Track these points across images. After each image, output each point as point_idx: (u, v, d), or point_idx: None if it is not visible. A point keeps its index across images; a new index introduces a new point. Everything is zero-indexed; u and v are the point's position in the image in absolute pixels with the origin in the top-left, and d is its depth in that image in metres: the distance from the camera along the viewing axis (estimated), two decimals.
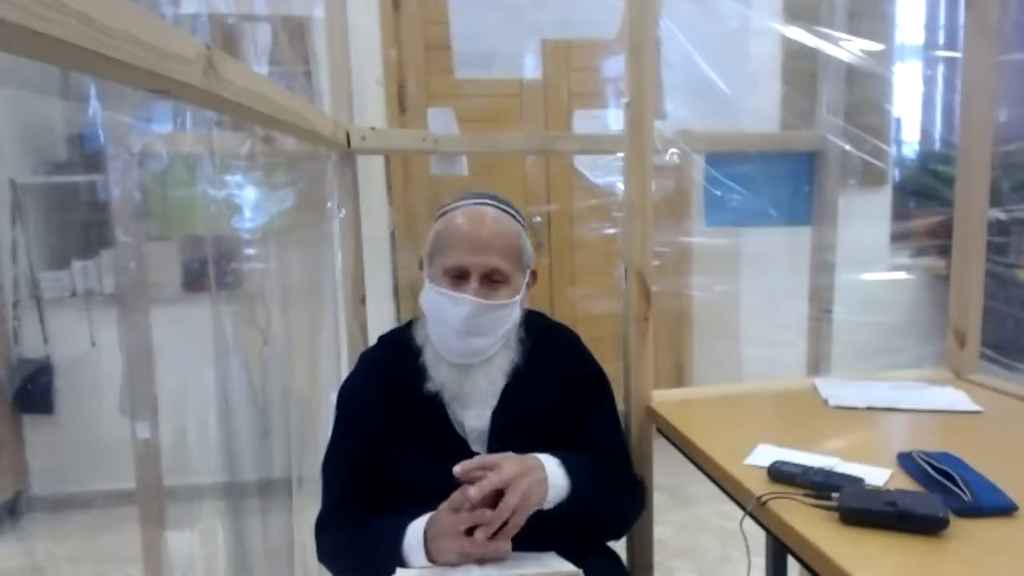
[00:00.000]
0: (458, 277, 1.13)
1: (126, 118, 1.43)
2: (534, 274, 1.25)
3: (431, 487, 1.09)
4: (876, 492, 0.91)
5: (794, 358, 2.10)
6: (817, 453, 1.07)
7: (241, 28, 1.76)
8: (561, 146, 2.15)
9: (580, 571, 1.01)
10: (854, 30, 1.96)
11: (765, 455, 1.07)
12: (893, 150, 3.09)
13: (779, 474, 0.99)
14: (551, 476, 1.06)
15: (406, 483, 1.14)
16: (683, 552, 2.51)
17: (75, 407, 2.98)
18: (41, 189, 2.98)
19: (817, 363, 2.04)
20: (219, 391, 1.60)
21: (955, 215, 1.53)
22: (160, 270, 2.83)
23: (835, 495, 0.90)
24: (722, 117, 1.99)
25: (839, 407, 1.33)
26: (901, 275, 3.18)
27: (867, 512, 0.86)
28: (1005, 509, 0.89)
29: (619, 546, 1.27)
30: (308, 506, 1.57)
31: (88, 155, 2.87)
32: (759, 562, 1.45)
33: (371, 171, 2.92)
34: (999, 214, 2.35)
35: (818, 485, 0.95)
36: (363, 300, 1.78)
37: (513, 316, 1.17)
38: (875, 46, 1.95)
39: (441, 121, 1.89)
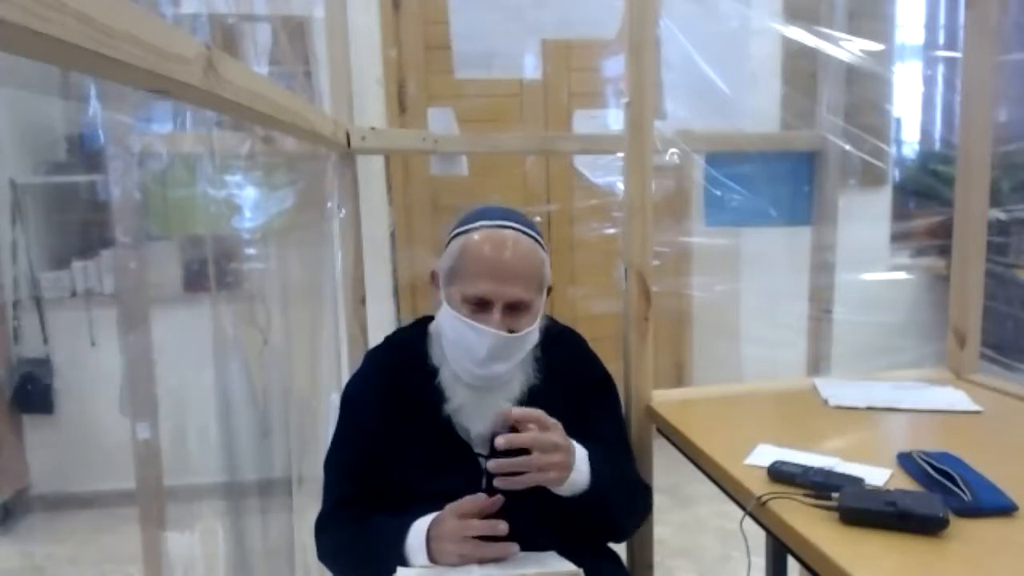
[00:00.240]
0: (479, 305, 1.10)
1: (126, 118, 1.43)
2: (550, 288, 1.24)
3: (433, 489, 1.09)
4: (876, 492, 0.91)
5: (794, 358, 2.10)
6: (817, 453, 1.07)
7: (241, 28, 1.76)
8: (561, 146, 2.15)
9: (580, 571, 1.02)
10: (854, 30, 1.96)
11: (765, 455, 1.07)
12: (893, 150, 3.10)
13: (779, 474, 1.00)
14: (577, 466, 1.06)
15: (408, 485, 1.14)
16: (683, 552, 2.51)
17: (75, 407, 2.98)
18: (41, 189, 2.98)
19: (817, 363, 2.04)
20: (219, 391, 1.60)
21: (955, 215, 1.53)
22: (160, 270, 2.83)
23: (835, 495, 0.90)
24: (722, 117, 1.99)
25: (839, 407, 1.33)
26: (901, 275, 3.18)
27: (867, 512, 0.86)
28: (1005, 509, 0.89)
29: (619, 546, 1.27)
30: (308, 506, 1.57)
31: (88, 155, 2.87)
32: (759, 562, 1.45)
33: (371, 171, 2.92)
34: (999, 214, 2.35)
35: (818, 485, 0.95)
36: (363, 300, 1.78)
37: (534, 340, 1.16)
38: (875, 46, 1.95)
39: (441, 121, 1.89)
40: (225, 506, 1.63)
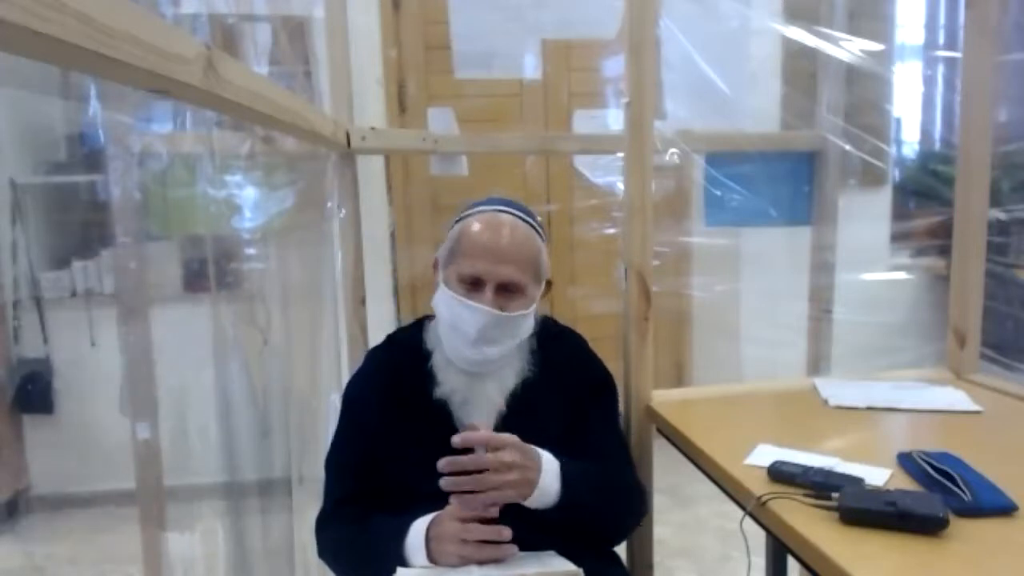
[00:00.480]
0: (473, 284, 1.12)
1: (126, 118, 1.43)
2: (549, 283, 1.25)
3: (433, 489, 1.09)
4: (876, 492, 0.91)
5: (794, 358, 2.10)
6: (817, 453, 1.07)
7: (241, 28, 1.76)
8: (561, 146, 2.15)
9: (580, 571, 1.02)
10: (854, 30, 1.96)
11: (765, 455, 1.07)
12: (893, 150, 3.09)
13: (779, 474, 1.00)
14: (545, 478, 1.06)
15: (408, 484, 1.14)
16: (683, 552, 2.51)
17: (75, 407, 2.98)
18: (41, 189, 2.98)
19: (817, 363, 2.04)
20: (219, 391, 1.60)
21: (955, 215, 1.53)
22: (160, 270, 2.83)
23: (835, 495, 0.90)
24: (722, 117, 1.99)
25: (839, 407, 1.33)
26: (901, 275, 3.18)
27: (867, 512, 0.86)
28: (1005, 509, 0.89)
29: (619, 546, 1.27)
30: (308, 506, 1.57)
31: (88, 155, 2.87)
32: (759, 562, 1.45)
33: (371, 171, 2.92)
34: (999, 214, 2.35)
35: (818, 485, 0.95)
36: (363, 300, 1.78)
37: (527, 327, 1.17)
38: (875, 46, 1.95)
39: (441, 121, 1.89)
40: (225, 506, 1.63)
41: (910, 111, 3.12)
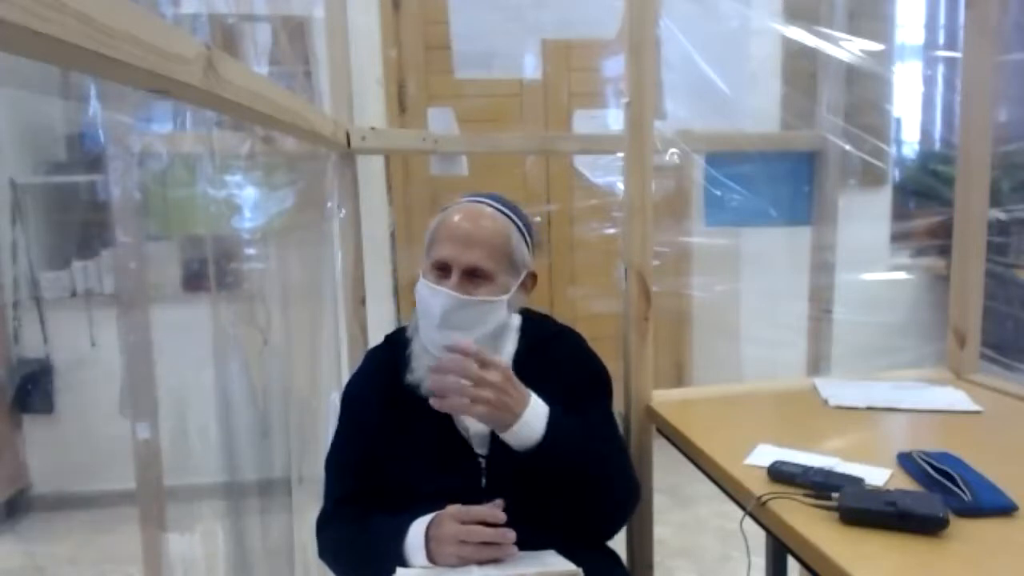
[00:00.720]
0: (442, 271, 1.15)
1: (126, 118, 1.43)
2: (534, 277, 1.24)
3: (433, 488, 1.09)
4: (876, 492, 0.91)
5: (794, 358, 2.10)
6: (817, 453, 1.07)
7: (241, 28, 1.76)
8: (561, 146, 2.15)
9: (580, 570, 1.01)
10: (854, 30, 1.96)
11: (765, 455, 1.07)
12: (893, 150, 3.09)
13: (779, 474, 0.99)
14: (530, 415, 1.06)
15: (408, 484, 1.14)
16: (683, 552, 2.51)
17: (75, 407, 2.98)
18: (41, 189, 2.98)
19: (817, 363, 2.04)
20: (219, 391, 1.60)
21: (955, 215, 1.53)
22: (160, 270, 2.83)
23: (835, 495, 0.90)
24: (722, 117, 1.99)
25: (839, 407, 1.33)
26: (901, 275, 3.18)
27: (867, 512, 0.86)
28: (1005, 509, 0.89)
29: (619, 546, 1.27)
30: (308, 506, 1.57)
31: (88, 155, 2.87)
32: (759, 562, 1.45)
33: (371, 171, 2.92)
34: (999, 214, 2.35)
35: (818, 485, 0.95)
36: (363, 300, 1.78)
37: (497, 316, 1.17)
38: (875, 46, 1.95)
39: (441, 121, 1.89)
40: (225, 506, 1.63)
41: (910, 111, 3.12)
